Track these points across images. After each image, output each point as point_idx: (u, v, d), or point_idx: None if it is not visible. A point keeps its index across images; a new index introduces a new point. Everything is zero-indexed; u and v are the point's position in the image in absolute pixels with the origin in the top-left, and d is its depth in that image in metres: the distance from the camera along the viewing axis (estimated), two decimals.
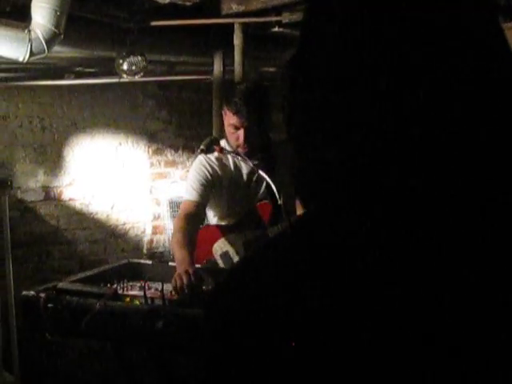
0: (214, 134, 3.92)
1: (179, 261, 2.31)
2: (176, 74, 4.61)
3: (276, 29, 3.88)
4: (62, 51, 3.41)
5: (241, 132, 2.54)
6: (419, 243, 0.55)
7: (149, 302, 2.17)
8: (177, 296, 2.18)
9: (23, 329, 3.02)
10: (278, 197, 2.39)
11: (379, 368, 0.53)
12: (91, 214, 4.74)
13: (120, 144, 4.90)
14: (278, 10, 3.67)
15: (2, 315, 3.11)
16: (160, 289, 2.20)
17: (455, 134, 0.54)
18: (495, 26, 0.57)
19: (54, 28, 2.94)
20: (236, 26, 3.72)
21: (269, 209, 2.65)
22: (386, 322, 0.53)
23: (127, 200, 4.92)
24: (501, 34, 0.57)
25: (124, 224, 4.94)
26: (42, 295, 2.21)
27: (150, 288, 2.31)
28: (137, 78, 3.87)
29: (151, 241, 5.10)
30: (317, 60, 0.59)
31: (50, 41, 2.99)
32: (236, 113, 2.51)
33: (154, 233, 5.11)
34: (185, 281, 2.15)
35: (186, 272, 2.18)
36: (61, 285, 2.30)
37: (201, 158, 2.65)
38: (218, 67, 4.16)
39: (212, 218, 2.76)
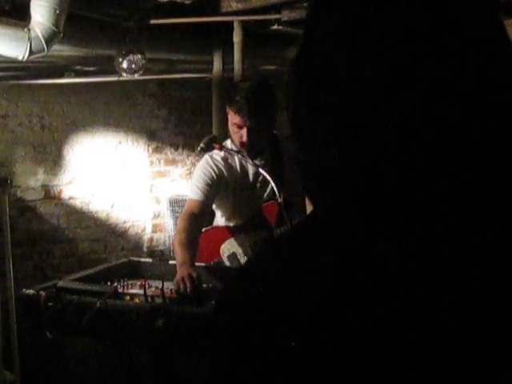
0: (214, 132, 3.92)
1: (181, 262, 2.31)
2: (176, 73, 4.61)
3: (276, 27, 3.88)
4: (61, 50, 3.41)
5: (244, 131, 2.50)
6: (419, 243, 0.55)
7: (149, 300, 2.18)
8: (177, 296, 2.19)
9: (23, 327, 3.02)
10: (278, 195, 2.39)
11: (379, 368, 0.53)
12: (91, 212, 4.74)
13: (120, 142, 4.89)
14: (277, 7, 3.67)
15: (3, 314, 3.10)
16: (160, 287, 2.21)
17: (456, 133, 0.54)
18: (496, 24, 0.57)
19: (53, 27, 2.94)
20: (236, 24, 3.72)
21: (275, 209, 2.61)
22: (387, 322, 0.54)
23: (127, 198, 4.92)
24: (502, 32, 0.57)
25: (124, 222, 4.94)
26: (43, 294, 2.22)
27: (150, 286, 2.32)
28: (136, 77, 3.87)
29: (151, 239, 5.10)
30: (318, 60, 0.59)
31: (50, 39, 2.99)
32: (238, 112, 2.47)
33: (154, 231, 5.11)
34: (189, 286, 2.16)
35: (190, 276, 2.18)
36: (61, 283, 2.31)
37: (207, 157, 2.62)
38: (217, 65, 4.16)
39: (220, 218, 2.75)
